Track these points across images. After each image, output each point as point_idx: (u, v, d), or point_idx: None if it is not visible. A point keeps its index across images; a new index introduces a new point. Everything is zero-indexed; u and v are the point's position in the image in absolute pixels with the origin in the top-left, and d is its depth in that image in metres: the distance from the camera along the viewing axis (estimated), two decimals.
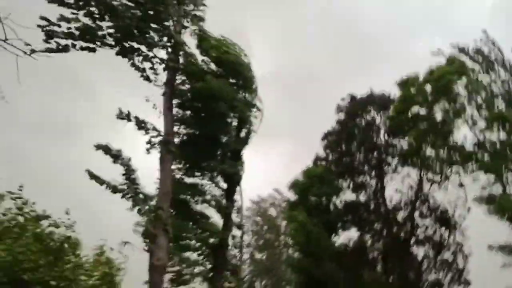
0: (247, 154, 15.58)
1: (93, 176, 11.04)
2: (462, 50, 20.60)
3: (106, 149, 11.59)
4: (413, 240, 22.66)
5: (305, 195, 22.46)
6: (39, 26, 9.76)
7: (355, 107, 24.51)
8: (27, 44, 7.31)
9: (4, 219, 9.45)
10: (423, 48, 46.60)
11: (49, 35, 9.93)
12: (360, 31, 54.69)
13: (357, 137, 24.18)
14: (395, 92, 23.54)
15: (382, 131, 24.28)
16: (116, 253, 10.98)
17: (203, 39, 13.79)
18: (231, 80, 14.22)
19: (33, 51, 8.41)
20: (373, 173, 24.04)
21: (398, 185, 23.58)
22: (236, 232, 15.96)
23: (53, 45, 10.04)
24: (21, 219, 9.78)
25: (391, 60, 48.03)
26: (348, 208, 23.81)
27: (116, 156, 11.67)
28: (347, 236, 23.79)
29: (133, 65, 11.62)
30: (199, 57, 13.89)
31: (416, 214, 23.06)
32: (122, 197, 11.16)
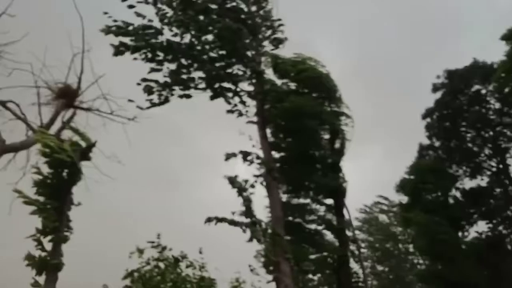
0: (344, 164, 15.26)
1: (218, 219, 11.66)
2: None
3: (233, 181, 12.17)
4: None
5: (418, 194, 20.69)
6: (138, 84, 11.02)
7: (456, 82, 21.53)
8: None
9: (148, 269, 10.23)
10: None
11: (150, 91, 11.16)
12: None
13: (464, 114, 21.60)
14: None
15: (492, 103, 21.37)
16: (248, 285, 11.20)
17: (277, 63, 14.13)
18: (314, 95, 14.23)
19: (134, 117, 9.62)
20: (491, 151, 21.31)
21: None
22: (352, 247, 15.46)
23: (154, 100, 11.25)
24: (162, 265, 10.47)
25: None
26: (470, 199, 21.43)
27: (243, 189, 12.19)
28: (475, 231, 21.42)
29: (228, 102, 12.36)
30: (277, 81, 14.26)
31: None
32: (241, 227, 11.61)
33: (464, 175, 21.81)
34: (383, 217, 33.31)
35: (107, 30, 11.25)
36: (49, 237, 11.22)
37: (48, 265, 10.89)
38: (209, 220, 11.62)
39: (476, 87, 21.58)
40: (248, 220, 11.79)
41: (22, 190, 11.35)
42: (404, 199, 21.94)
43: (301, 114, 13.20)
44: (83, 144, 12.16)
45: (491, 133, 21.33)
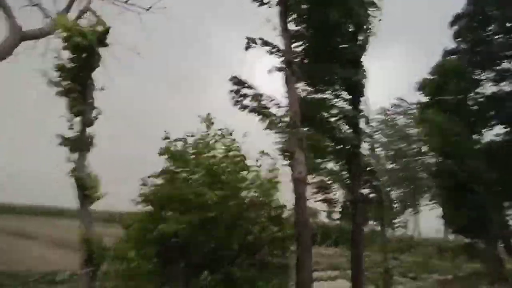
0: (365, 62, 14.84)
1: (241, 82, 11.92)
2: None
3: (238, 81, 12.29)
4: None
5: (438, 94, 20.52)
6: None
7: None
8: None
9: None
10: None
11: None
12: None
13: (496, 15, 20.41)
14: None
15: None
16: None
17: None
18: None
19: (150, 7, 9.19)
20: None
21: None
22: (367, 142, 15.90)
23: None
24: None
25: None
26: (490, 103, 21.16)
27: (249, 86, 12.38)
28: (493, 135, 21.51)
29: None
30: None
31: None
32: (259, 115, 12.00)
33: (487, 80, 21.36)
34: (399, 120, 33.54)
35: None
36: (77, 119, 11.89)
37: (79, 144, 11.72)
38: (234, 79, 12.02)
39: None
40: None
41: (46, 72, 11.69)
42: (424, 99, 21.86)
43: (325, 2, 12.49)
44: (100, 30, 12.11)
45: None
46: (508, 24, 20.58)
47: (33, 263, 18.40)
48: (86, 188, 11.22)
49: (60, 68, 11.61)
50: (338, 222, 17.14)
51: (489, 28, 20.91)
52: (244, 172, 10.09)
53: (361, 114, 14.77)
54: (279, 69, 12.59)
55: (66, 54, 12.10)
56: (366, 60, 14.76)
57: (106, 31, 11.92)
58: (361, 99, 14.91)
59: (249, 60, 13.26)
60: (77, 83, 11.80)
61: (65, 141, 11.65)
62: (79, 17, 16.22)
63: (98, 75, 12.59)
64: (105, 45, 12.15)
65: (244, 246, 9.10)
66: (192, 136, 10.30)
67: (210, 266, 8.60)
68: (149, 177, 9.91)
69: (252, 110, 12.35)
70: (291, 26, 13.45)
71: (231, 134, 10.44)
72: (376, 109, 31.45)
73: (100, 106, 12.39)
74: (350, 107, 14.68)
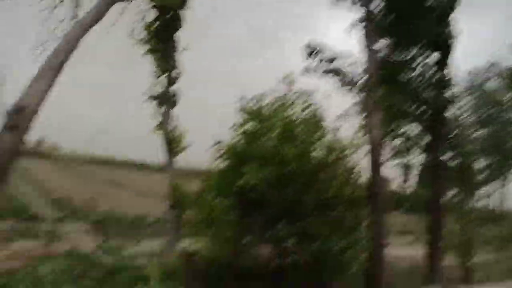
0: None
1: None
2: None
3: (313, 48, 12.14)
4: None
5: None
6: None
7: None
8: None
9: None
10: None
11: None
12: None
13: None
14: None
15: None
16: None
17: None
18: None
19: None
20: None
21: None
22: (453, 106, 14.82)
23: None
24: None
25: None
26: None
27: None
28: None
29: None
30: None
31: None
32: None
33: None
34: (491, 83, 30.42)
35: None
36: (162, 77, 12.71)
37: (164, 100, 12.59)
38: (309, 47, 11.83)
39: None
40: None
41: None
42: None
43: None
44: None
45: None
46: None
47: (124, 209, 20.61)
48: (172, 141, 12.17)
49: (147, 28, 12.38)
50: (414, 188, 16.58)
51: None
52: (320, 132, 10.10)
53: (448, 75, 13.74)
54: (359, 23, 12.01)
55: (152, 16, 12.79)
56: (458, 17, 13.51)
57: None
58: (449, 59, 13.81)
59: (329, 16, 12.92)
60: (161, 43, 12.56)
61: (152, 97, 12.60)
62: None
63: (179, 37, 13.18)
64: (186, 8, 12.64)
65: (319, 204, 9.27)
66: (270, 95, 10.48)
67: (286, 219, 8.94)
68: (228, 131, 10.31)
69: (328, 72, 12.13)
70: None
71: (309, 95, 10.42)
72: (465, 70, 28.77)
73: (181, 67, 13.10)
74: (436, 68, 13.70)
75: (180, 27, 13.10)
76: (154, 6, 12.55)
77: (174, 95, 12.55)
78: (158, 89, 12.66)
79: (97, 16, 14.13)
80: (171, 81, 12.66)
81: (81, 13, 10.70)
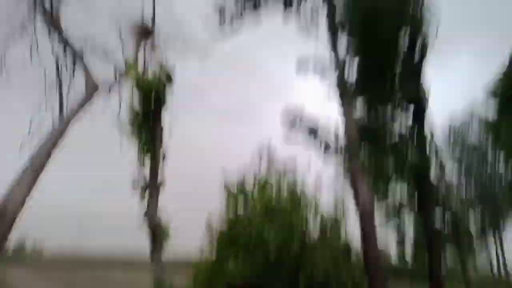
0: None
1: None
2: None
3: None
4: None
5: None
6: None
7: None
8: None
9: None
10: None
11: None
12: None
13: None
14: None
15: None
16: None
17: None
18: None
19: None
20: None
21: None
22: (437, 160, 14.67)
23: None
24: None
25: None
26: None
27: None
28: None
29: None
30: None
31: None
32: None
33: None
34: (469, 131, 31.05)
35: None
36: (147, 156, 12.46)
37: (149, 185, 12.18)
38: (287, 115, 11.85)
39: None
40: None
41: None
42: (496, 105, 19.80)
43: (377, 11, 11.78)
44: (165, 75, 13.03)
45: None
46: None
47: None
48: (157, 234, 11.55)
49: (132, 111, 12.48)
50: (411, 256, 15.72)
51: None
52: (305, 211, 9.72)
53: (427, 129, 13.66)
54: (334, 87, 12.06)
55: (136, 99, 12.93)
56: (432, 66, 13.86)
57: (170, 77, 12.83)
58: (426, 112, 13.78)
59: (304, 84, 13.25)
60: (146, 124, 12.57)
61: (137, 186, 12.18)
62: (146, 65, 17.35)
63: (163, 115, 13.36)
64: (170, 90, 12.97)
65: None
66: (251, 168, 10.38)
67: None
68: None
69: (308, 138, 12.10)
70: (343, 43, 12.72)
71: (290, 170, 10.30)
72: (443, 118, 29.33)
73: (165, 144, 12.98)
74: (414, 123, 13.62)
75: (164, 108, 13.23)
76: (139, 91, 12.77)
77: (160, 183, 12.25)
78: (142, 178, 12.38)
79: (82, 109, 14.27)
80: (156, 167, 12.43)
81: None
